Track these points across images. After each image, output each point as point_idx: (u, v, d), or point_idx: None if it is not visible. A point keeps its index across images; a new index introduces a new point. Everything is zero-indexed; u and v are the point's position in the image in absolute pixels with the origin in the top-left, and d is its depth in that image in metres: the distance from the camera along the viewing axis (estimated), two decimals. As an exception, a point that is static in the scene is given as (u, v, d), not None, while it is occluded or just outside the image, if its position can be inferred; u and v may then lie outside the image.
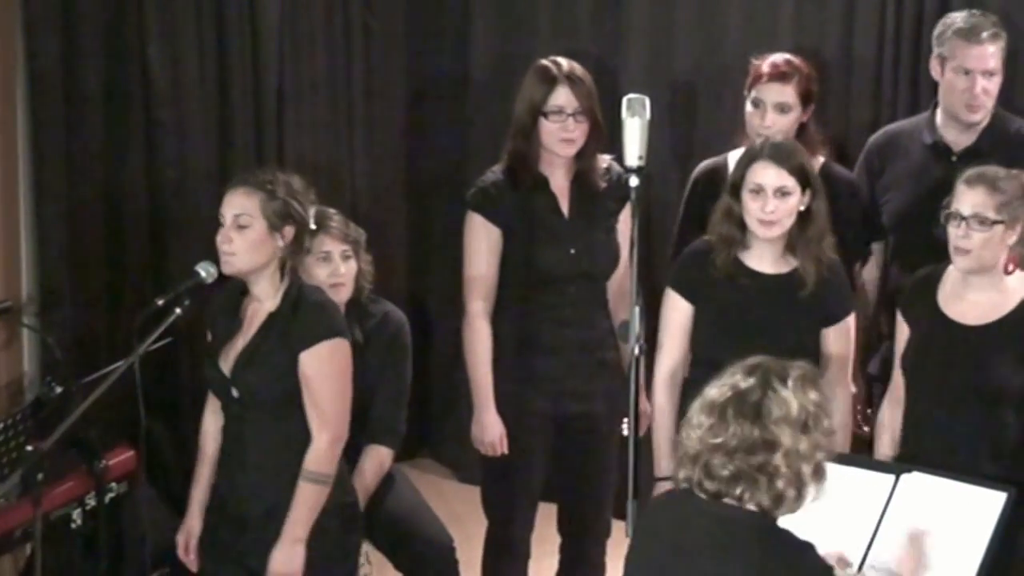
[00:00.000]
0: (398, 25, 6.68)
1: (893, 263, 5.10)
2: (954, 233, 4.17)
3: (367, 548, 4.95)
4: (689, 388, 4.36)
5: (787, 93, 4.84)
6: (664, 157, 5.36)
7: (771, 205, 4.34)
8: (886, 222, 5.06)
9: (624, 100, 4.30)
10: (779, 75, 4.84)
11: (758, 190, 4.35)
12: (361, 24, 6.51)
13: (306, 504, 4.23)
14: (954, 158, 4.91)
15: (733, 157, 4.97)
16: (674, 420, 4.44)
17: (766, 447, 3.24)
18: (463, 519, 5.63)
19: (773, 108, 4.84)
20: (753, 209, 4.36)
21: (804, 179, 4.38)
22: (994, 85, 4.89)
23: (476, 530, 5.13)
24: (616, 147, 4.56)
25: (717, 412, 3.28)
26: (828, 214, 4.45)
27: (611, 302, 4.94)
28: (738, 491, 3.25)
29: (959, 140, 4.96)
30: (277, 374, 4.22)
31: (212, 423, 4.42)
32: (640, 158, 4.30)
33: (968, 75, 4.87)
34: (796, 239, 4.41)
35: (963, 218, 4.14)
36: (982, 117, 4.92)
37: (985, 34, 4.86)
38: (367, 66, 6.55)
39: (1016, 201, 4.14)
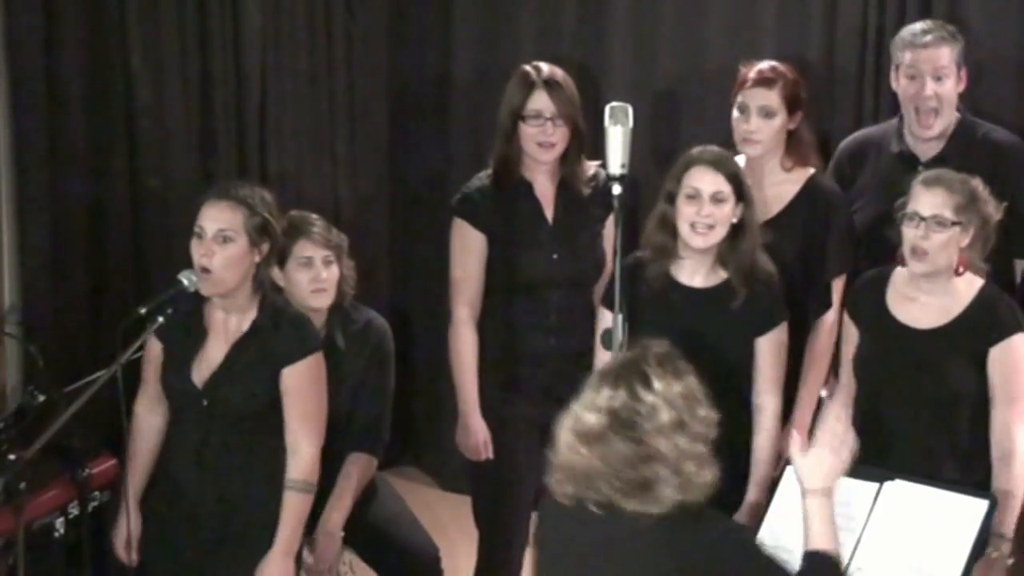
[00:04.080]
0: (380, 32, 6.68)
1: (859, 271, 5.12)
2: (912, 234, 4.20)
3: (351, 557, 4.95)
4: None
5: (771, 97, 4.85)
6: (647, 165, 5.37)
7: (707, 209, 4.32)
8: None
9: (607, 108, 4.30)
10: (763, 80, 4.85)
11: (694, 195, 4.34)
12: (343, 31, 6.50)
13: (297, 515, 4.30)
14: (920, 167, 4.86)
15: None
16: None
17: (648, 460, 3.28)
18: (447, 527, 5.63)
19: (757, 112, 4.84)
20: (688, 214, 4.34)
21: (739, 188, 4.38)
22: (946, 89, 4.88)
23: (460, 538, 5.13)
24: (600, 154, 4.57)
25: (598, 439, 3.31)
26: (757, 226, 4.44)
27: (597, 309, 4.95)
28: (630, 506, 3.30)
29: (926, 149, 4.95)
30: (256, 388, 4.26)
31: (148, 422, 4.45)
32: (623, 166, 4.31)
33: (916, 79, 4.89)
34: (726, 252, 4.40)
35: (922, 219, 4.18)
36: (939, 130, 4.90)
37: (930, 37, 4.89)
38: (349, 73, 6.55)
39: (970, 204, 4.20)
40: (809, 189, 4.85)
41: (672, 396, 3.32)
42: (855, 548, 3.86)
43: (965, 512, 3.83)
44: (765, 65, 4.90)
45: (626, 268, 4.40)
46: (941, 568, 3.79)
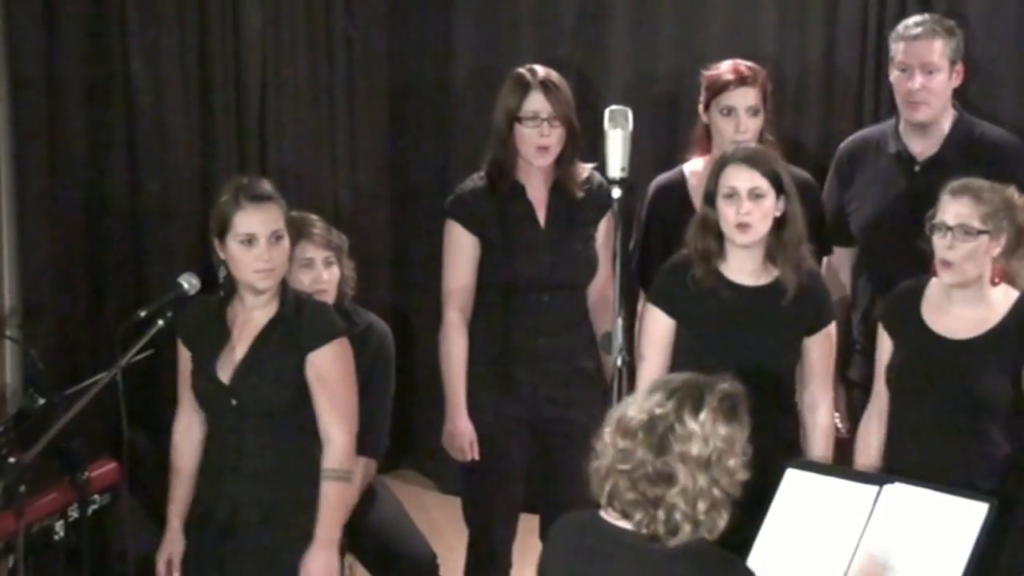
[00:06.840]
0: (380, 35, 6.68)
1: (861, 272, 5.12)
2: (940, 244, 4.16)
3: (351, 560, 4.95)
4: None
5: (754, 96, 4.86)
6: (647, 168, 5.37)
7: (745, 207, 4.30)
8: (854, 231, 5.06)
9: (606, 112, 4.30)
10: (744, 79, 4.86)
11: (732, 193, 4.32)
12: (343, 33, 6.51)
13: (337, 505, 4.28)
14: (916, 168, 4.91)
15: (688, 169, 5.00)
16: None
17: (664, 480, 3.21)
18: (445, 530, 5.63)
19: (746, 112, 4.85)
20: (728, 214, 4.32)
21: (777, 183, 4.35)
22: (936, 83, 4.88)
23: (458, 541, 5.13)
24: (598, 157, 4.57)
25: (630, 436, 3.25)
26: (801, 219, 4.40)
27: (592, 312, 4.95)
28: (638, 517, 3.25)
29: (922, 149, 4.95)
30: (283, 378, 4.24)
31: (186, 439, 4.43)
32: (623, 169, 4.30)
33: (906, 71, 4.89)
34: (774, 247, 4.38)
35: (948, 228, 4.14)
36: (926, 117, 4.90)
37: (920, 30, 4.89)
38: (349, 75, 6.55)
39: (1000, 212, 4.14)
40: None
41: (710, 434, 3.23)
42: (855, 551, 3.86)
43: (965, 515, 3.83)
44: (739, 64, 4.92)
45: (675, 266, 4.43)
46: (941, 571, 3.78)
